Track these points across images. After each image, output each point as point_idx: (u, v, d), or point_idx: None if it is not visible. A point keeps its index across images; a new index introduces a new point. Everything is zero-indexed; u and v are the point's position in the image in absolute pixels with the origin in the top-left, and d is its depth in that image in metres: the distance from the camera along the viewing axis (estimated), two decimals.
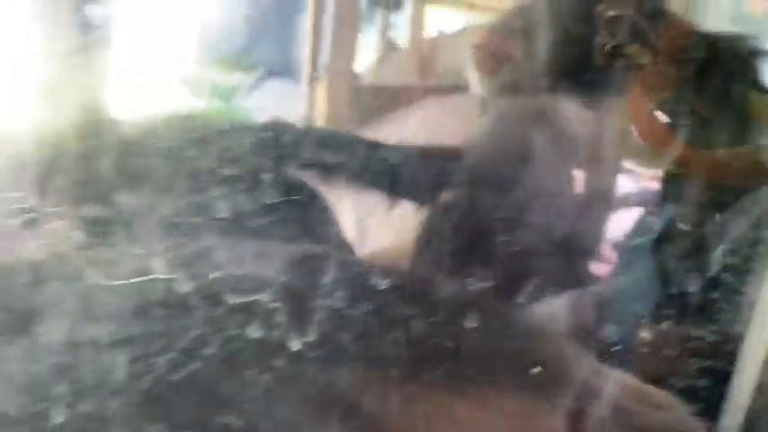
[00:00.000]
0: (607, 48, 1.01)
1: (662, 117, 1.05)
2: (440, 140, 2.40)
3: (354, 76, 3.48)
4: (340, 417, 0.44)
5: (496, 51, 1.14)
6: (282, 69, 7.55)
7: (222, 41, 7.58)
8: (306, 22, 5.14)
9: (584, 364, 0.60)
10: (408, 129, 3.59)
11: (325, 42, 4.27)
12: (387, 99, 4.00)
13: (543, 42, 1.10)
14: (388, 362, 0.48)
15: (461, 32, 4.81)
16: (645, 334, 0.99)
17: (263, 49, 7.73)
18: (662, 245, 1.09)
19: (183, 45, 7.26)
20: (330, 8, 3.67)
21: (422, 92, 4.14)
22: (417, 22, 4.72)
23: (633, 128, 1.08)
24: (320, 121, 3.86)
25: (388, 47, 5.12)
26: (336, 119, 3.17)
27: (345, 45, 3.03)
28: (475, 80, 1.16)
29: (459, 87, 4.16)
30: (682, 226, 1.05)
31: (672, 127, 1.04)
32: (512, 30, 1.11)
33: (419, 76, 4.59)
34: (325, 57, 4.00)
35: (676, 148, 1.02)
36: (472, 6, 5.46)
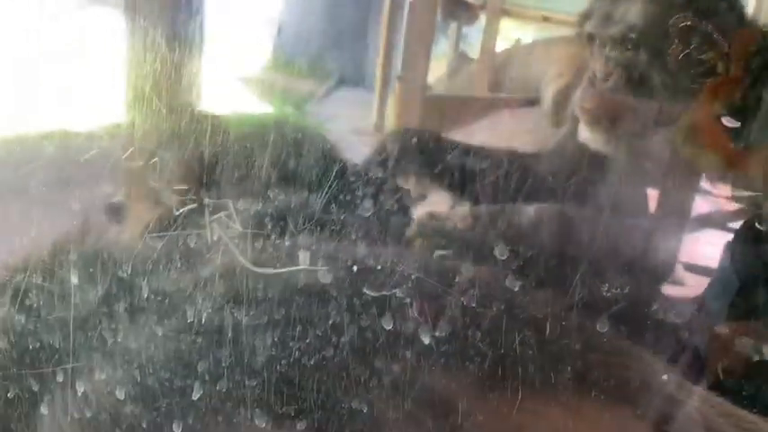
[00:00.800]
0: (680, 57, 0.97)
1: (728, 123, 0.97)
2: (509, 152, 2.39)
3: (426, 87, 3.50)
4: (437, 414, 0.46)
5: (610, 111, 1.10)
6: (355, 78, 7.67)
7: (297, 49, 7.77)
8: (380, 33, 5.22)
9: (669, 380, 0.59)
10: (479, 140, 3.58)
11: (398, 53, 4.32)
12: (458, 110, 4.01)
13: (651, 85, 1.07)
14: (488, 365, 0.50)
15: (534, 45, 4.77)
16: (721, 329, 0.95)
17: (337, 57, 7.87)
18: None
19: (259, 51, 7.47)
20: (405, 19, 3.71)
21: (493, 104, 4.13)
22: (490, 35, 4.71)
23: (696, 136, 1.00)
24: (390, 126, 3.91)
25: (461, 59, 5.13)
26: (406, 123, 3.20)
27: (418, 56, 3.06)
28: (590, 137, 1.13)
29: (530, 101, 4.13)
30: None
31: (737, 134, 0.97)
32: (621, 78, 1.08)
33: (491, 89, 4.58)
34: (397, 68, 4.05)
35: (741, 155, 0.96)
36: (546, 20, 5.42)
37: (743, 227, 1.16)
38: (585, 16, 1.16)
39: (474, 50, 5.35)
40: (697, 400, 0.60)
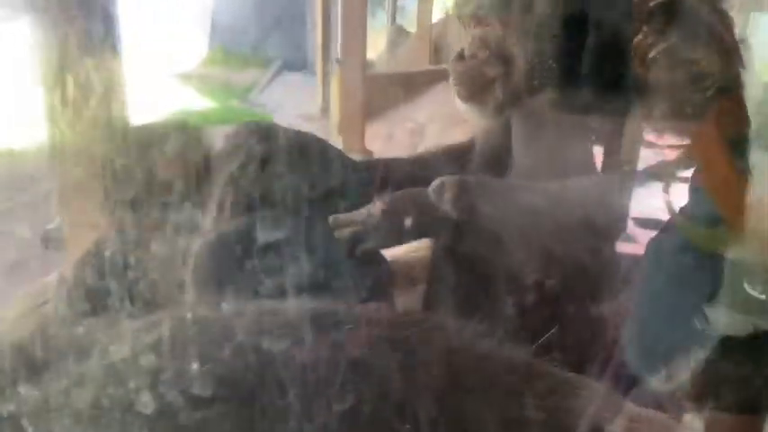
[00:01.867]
0: (656, 49, 0.93)
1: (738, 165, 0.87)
2: (456, 123, 2.38)
3: (367, 66, 3.46)
4: None
5: (478, 78, 1.14)
6: (297, 63, 7.53)
7: (234, 40, 7.59)
8: (317, 15, 5.13)
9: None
10: (424, 114, 3.56)
11: (337, 33, 4.26)
12: (400, 86, 3.97)
13: (521, 57, 1.10)
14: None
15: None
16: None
17: (276, 44, 7.72)
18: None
19: (194, 46, 7.27)
20: (338, 2, 3.66)
21: (435, 76, 4.11)
22: (425, 6, 4.67)
23: (704, 181, 0.91)
24: (336, 112, 3.86)
25: (399, 32, 5.08)
26: (351, 109, 3.15)
27: (355, 38, 3.00)
28: (465, 110, 1.16)
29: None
30: None
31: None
32: (488, 53, 1.11)
33: (431, 61, 4.55)
34: (337, 48, 3.99)
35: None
36: None
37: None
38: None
39: (411, 23, 5.31)
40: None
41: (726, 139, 0.88)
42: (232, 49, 7.25)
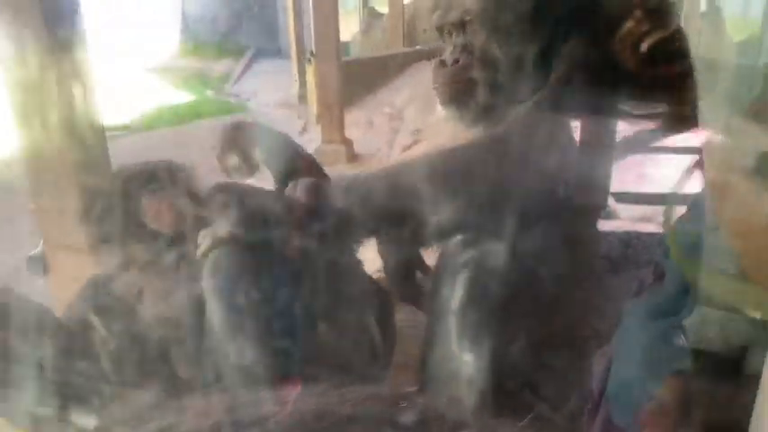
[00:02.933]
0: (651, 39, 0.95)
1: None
2: (432, 105, 2.37)
3: (341, 52, 3.43)
4: None
5: (461, 83, 1.16)
6: (271, 50, 7.45)
7: (206, 30, 7.48)
8: (287, 1, 5.06)
9: None
10: (401, 98, 3.55)
11: (309, 18, 4.21)
12: (376, 70, 3.95)
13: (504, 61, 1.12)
14: None
15: None
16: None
17: (248, 32, 7.62)
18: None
19: (166, 38, 7.15)
20: None
21: (409, 57, 4.09)
22: None
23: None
24: (313, 99, 3.83)
25: (371, 15, 5.05)
26: (329, 100, 3.14)
27: (328, 25, 2.98)
28: (446, 115, 1.18)
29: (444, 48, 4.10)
30: None
31: None
32: (471, 58, 1.13)
33: (405, 43, 4.52)
34: (311, 32, 3.95)
35: None
36: None
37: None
38: (434, 9, 1.21)
39: (383, 4, 5.26)
40: None
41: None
42: (204, 39, 7.15)
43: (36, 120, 1.38)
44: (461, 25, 1.09)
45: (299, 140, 3.93)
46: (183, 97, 5.62)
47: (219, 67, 6.68)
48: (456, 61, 1.09)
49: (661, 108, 1.09)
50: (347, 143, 3.07)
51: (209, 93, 5.82)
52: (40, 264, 1.11)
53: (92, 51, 1.45)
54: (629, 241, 1.65)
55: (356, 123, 3.36)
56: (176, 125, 4.71)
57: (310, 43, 3.79)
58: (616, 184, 1.77)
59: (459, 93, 1.11)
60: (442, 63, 1.12)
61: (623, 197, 1.91)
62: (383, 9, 4.85)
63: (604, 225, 1.59)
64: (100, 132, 1.48)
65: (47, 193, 1.29)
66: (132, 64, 5.88)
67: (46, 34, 1.32)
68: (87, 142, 1.40)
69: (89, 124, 1.43)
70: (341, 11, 3.15)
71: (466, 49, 1.08)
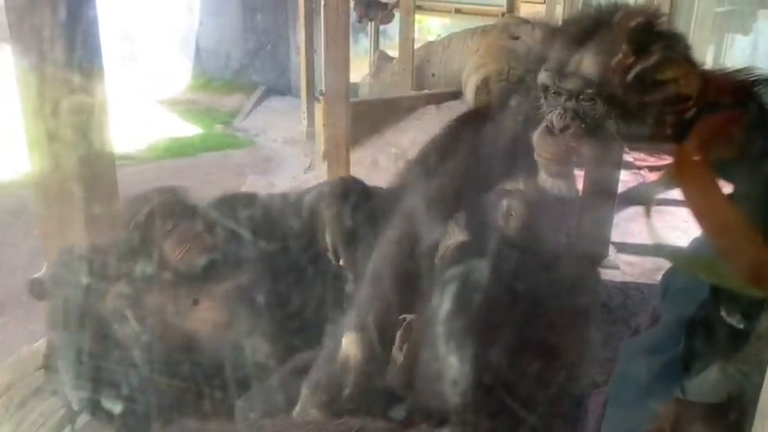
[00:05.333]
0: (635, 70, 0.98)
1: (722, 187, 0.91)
2: None
3: (350, 92, 3.49)
4: None
5: (567, 158, 1.13)
6: (281, 87, 7.56)
7: (218, 65, 7.60)
8: (300, 41, 5.16)
9: None
10: (407, 139, 3.59)
11: (320, 58, 4.29)
12: (384, 112, 4.01)
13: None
14: None
15: (450, 39, 4.81)
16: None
17: (260, 69, 7.74)
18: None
19: (179, 71, 7.26)
20: (321, 26, 3.69)
21: (418, 101, 4.15)
22: (407, 32, 4.74)
23: (690, 209, 0.95)
24: (321, 137, 3.88)
25: (382, 58, 5.14)
26: (336, 138, 3.17)
27: (338, 64, 3.03)
28: (548, 182, 1.14)
29: (453, 94, 4.17)
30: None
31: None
32: (581, 126, 1.10)
33: (414, 86, 4.60)
34: (321, 71, 4.02)
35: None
36: (458, 12, 5.49)
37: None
38: (537, 62, 1.15)
39: (394, 47, 5.35)
40: None
41: (709, 159, 0.90)
42: (216, 74, 7.26)
43: (48, 146, 1.40)
44: (578, 94, 1.04)
45: (304, 177, 3.95)
46: (192, 130, 5.69)
47: (230, 102, 6.77)
48: (566, 128, 1.04)
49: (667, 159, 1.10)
50: None
51: (218, 127, 5.89)
52: (42, 287, 1.10)
53: (108, 80, 1.48)
54: (628, 291, 1.65)
55: (361, 162, 3.40)
56: (183, 157, 4.76)
57: (320, 83, 3.85)
58: (618, 235, 1.78)
59: (567, 166, 1.06)
60: (549, 130, 1.06)
61: (625, 248, 1.91)
62: (393, 53, 4.94)
63: (604, 274, 1.59)
64: (110, 161, 1.50)
65: (53, 219, 1.31)
66: (143, 95, 5.97)
67: (66, 62, 1.36)
68: (97, 170, 1.42)
69: (101, 153, 1.45)
70: (352, 53, 3.21)
71: (577, 115, 1.03)
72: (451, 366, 1.02)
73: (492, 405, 1.01)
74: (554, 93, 1.06)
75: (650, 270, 1.88)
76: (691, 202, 0.91)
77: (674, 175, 0.95)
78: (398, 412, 1.01)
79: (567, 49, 1.04)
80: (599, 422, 0.98)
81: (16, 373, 0.98)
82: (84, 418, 0.88)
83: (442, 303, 1.07)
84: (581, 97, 1.04)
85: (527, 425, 0.99)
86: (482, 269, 1.09)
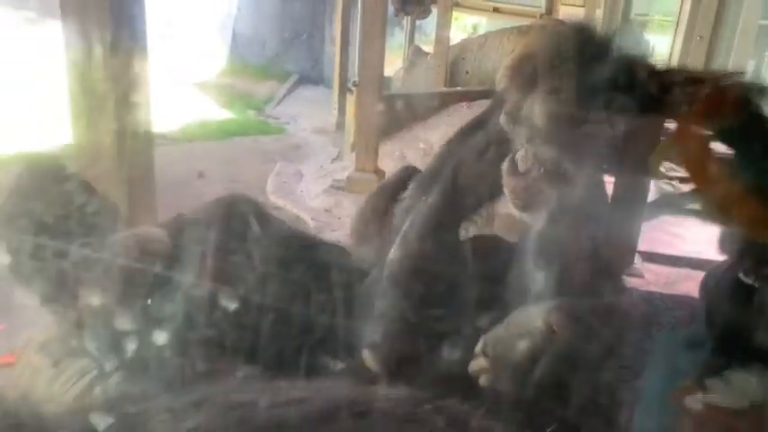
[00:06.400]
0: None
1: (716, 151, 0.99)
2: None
3: (383, 85, 3.50)
4: None
5: (534, 194, 1.13)
6: (314, 77, 7.59)
7: (253, 52, 7.65)
8: (336, 31, 5.18)
9: None
10: (437, 135, 3.58)
11: (354, 49, 4.31)
12: (415, 106, 4.01)
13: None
14: None
15: (486, 38, 4.79)
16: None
17: (294, 57, 7.78)
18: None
19: (215, 56, 7.32)
20: (358, 18, 3.70)
21: (450, 97, 4.14)
22: (443, 28, 4.73)
23: (682, 163, 1.03)
24: (351, 128, 3.90)
25: (416, 53, 5.13)
26: (366, 129, 3.19)
27: (373, 57, 3.05)
28: (519, 216, 1.17)
29: (486, 92, 4.15)
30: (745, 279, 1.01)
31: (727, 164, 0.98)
32: (543, 171, 1.11)
33: (447, 83, 4.59)
34: (355, 65, 4.03)
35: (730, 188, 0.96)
36: (496, 11, 5.46)
37: (721, 273, 1.15)
38: (501, 101, 1.17)
39: (429, 43, 5.35)
40: None
41: (708, 128, 0.95)
42: (251, 60, 7.32)
43: (91, 121, 1.43)
44: (531, 138, 1.05)
45: (331, 167, 3.97)
46: (224, 114, 5.74)
47: (263, 89, 6.82)
48: (528, 171, 1.05)
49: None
50: (379, 173, 3.11)
51: (250, 113, 5.93)
52: None
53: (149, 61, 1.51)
54: (652, 301, 1.64)
55: (389, 155, 3.41)
56: (214, 140, 4.81)
57: (354, 75, 3.87)
58: (645, 244, 1.77)
59: (532, 201, 1.08)
60: (514, 167, 1.08)
61: (651, 257, 1.90)
62: (428, 49, 4.93)
63: (629, 283, 1.58)
64: (149, 139, 1.54)
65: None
66: (179, 77, 6.04)
67: (112, 40, 1.39)
68: (136, 147, 1.45)
69: (140, 131, 1.48)
70: (386, 47, 3.22)
71: (537, 159, 1.04)
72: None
73: None
74: (516, 132, 1.07)
75: (675, 280, 1.86)
76: (689, 165, 0.96)
77: (676, 142, 1.01)
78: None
79: (521, 92, 1.04)
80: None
81: (52, 333, 1.02)
82: (115, 379, 0.91)
83: None
84: (537, 142, 1.04)
85: None
86: None
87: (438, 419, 0.67)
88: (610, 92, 0.99)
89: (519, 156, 1.05)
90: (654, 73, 0.98)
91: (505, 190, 1.07)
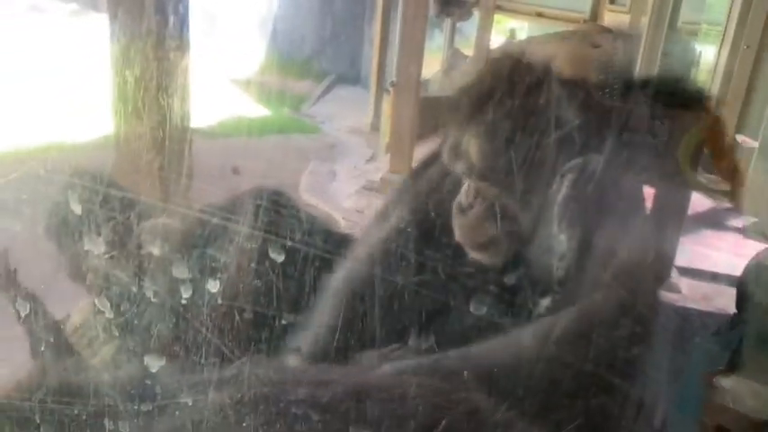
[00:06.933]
0: None
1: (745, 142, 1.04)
2: None
3: (421, 87, 3.48)
4: None
5: (480, 232, 1.11)
6: (351, 77, 7.61)
7: (292, 50, 7.70)
8: (375, 32, 5.19)
9: None
10: None
11: (393, 51, 4.30)
12: None
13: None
14: None
15: (529, 42, 4.74)
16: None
17: (332, 57, 7.81)
18: None
19: (254, 53, 7.40)
20: (398, 20, 3.69)
21: None
22: (484, 32, 4.69)
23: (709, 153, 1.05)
24: (386, 129, 3.89)
25: (456, 56, 5.10)
26: (401, 131, 3.18)
27: (411, 59, 3.04)
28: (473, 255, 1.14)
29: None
30: None
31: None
32: (485, 207, 1.07)
33: None
34: (393, 65, 4.02)
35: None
36: (540, 15, 5.40)
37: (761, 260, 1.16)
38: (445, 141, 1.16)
39: (469, 46, 5.31)
40: None
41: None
42: (289, 59, 7.37)
43: (132, 112, 1.46)
44: (469, 175, 1.03)
45: (366, 167, 3.97)
46: (260, 111, 5.79)
47: (299, 87, 6.86)
48: (471, 206, 1.04)
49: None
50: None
51: (286, 110, 5.97)
52: None
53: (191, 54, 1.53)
54: (689, 317, 1.60)
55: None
56: (250, 136, 4.86)
57: (391, 75, 3.86)
58: (683, 258, 1.73)
59: (480, 240, 1.05)
60: (460, 208, 1.07)
61: (688, 272, 1.86)
62: (468, 51, 4.90)
63: (665, 297, 1.54)
64: (186, 132, 1.56)
65: (127, 178, 1.36)
66: (217, 71, 6.11)
67: (157, 32, 1.41)
68: (174, 139, 1.47)
69: (179, 124, 1.50)
70: (425, 48, 3.21)
71: (479, 194, 1.02)
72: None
73: None
74: (458, 170, 1.04)
75: (712, 296, 1.82)
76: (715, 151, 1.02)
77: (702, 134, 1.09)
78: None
79: (459, 127, 1.02)
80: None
81: (87, 315, 1.05)
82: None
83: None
84: (474, 178, 1.01)
85: None
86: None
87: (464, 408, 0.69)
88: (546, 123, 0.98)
89: (462, 191, 1.03)
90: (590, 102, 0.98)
91: (454, 227, 1.05)
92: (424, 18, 3.13)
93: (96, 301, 1.04)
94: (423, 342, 1.06)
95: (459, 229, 1.06)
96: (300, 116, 5.94)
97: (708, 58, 3.74)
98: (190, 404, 0.73)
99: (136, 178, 1.36)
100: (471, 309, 1.02)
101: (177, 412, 0.73)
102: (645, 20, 4.89)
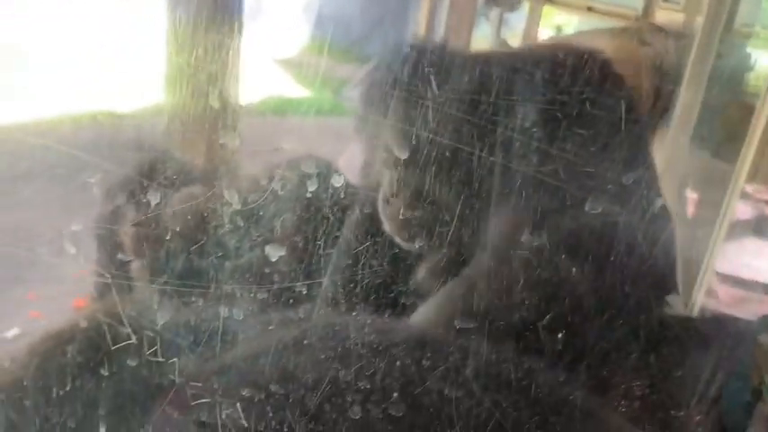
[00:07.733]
0: None
1: None
2: None
3: None
4: None
5: (406, 225, 1.10)
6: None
7: (337, 32, 7.73)
8: (421, 16, 5.16)
9: None
10: None
11: (438, 37, 4.28)
12: None
13: None
14: None
15: (578, 37, 4.66)
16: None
17: (377, 41, 7.81)
18: None
19: (299, 33, 7.45)
20: (445, 3, 3.67)
21: None
22: (533, 23, 4.62)
23: None
24: None
25: (503, 47, 5.04)
26: None
27: (458, 43, 3.02)
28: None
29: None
30: None
31: None
32: (408, 195, 1.05)
33: None
34: None
35: None
36: (590, 9, 5.29)
37: None
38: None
39: (515, 38, 5.25)
40: None
41: None
42: (333, 42, 7.37)
43: (182, 88, 1.49)
44: (395, 163, 1.02)
45: None
46: (302, 92, 5.80)
47: (342, 70, 6.85)
48: (394, 195, 1.03)
49: None
50: None
51: (328, 93, 5.98)
52: None
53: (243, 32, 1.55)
54: (725, 322, 1.58)
55: None
56: (290, 116, 4.88)
57: None
58: (724, 265, 1.70)
59: (406, 228, 1.04)
60: (386, 200, 1.06)
61: (727, 279, 1.83)
62: (515, 42, 4.84)
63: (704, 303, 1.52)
64: (233, 110, 1.58)
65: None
66: (262, 51, 6.14)
67: (208, 14, 1.44)
68: (221, 116, 1.50)
69: (226, 101, 1.53)
70: (472, 36, 3.18)
71: (399, 183, 1.02)
72: None
73: None
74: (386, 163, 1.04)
75: (748, 301, 1.79)
76: None
77: None
78: None
79: (378, 116, 1.03)
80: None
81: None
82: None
83: None
84: (399, 166, 1.01)
85: None
86: None
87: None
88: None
89: (385, 182, 1.03)
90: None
91: (382, 218, 1.05)
92: (473, 8, 3.11)
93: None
94: None
95: (388, 220, 1.06)
96: (341, 99, 5.95)
97: (763, 63, 3.63)
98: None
99: (182, 151, 1.40)
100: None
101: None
102: (699, 19, 4.76)
